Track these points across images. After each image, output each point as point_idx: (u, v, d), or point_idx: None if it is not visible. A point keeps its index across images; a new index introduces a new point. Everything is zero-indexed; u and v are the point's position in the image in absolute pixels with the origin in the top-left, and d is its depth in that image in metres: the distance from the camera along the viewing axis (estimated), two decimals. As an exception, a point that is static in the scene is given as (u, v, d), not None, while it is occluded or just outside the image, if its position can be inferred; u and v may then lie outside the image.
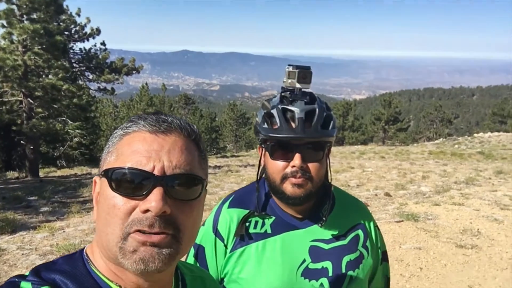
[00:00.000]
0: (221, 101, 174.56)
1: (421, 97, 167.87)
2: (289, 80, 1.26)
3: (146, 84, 36.29)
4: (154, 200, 0.67)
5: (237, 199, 1.36)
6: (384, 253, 1.44)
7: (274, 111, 1.23)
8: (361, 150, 26.76)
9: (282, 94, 1.27)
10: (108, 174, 0.71)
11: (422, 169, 15.11)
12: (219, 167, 16.69)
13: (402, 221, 6.95)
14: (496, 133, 37.78)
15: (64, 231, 6.83)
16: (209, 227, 1.31)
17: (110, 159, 0.74)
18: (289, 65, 1.29)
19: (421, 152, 24.68)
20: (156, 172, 0.70)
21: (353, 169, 15.38)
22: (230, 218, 1.30)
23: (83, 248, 0.80)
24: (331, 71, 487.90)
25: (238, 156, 27.77)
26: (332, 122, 1.25)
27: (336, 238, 1.31)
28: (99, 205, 0.74)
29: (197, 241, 1.32)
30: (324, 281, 1.25)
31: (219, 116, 51.90)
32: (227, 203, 1.35)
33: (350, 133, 45.11)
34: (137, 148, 0.72)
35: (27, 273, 0.70)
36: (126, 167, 0.70)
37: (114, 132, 0.79)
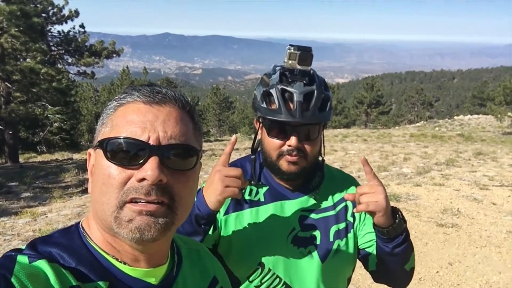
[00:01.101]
0: (204, 85, 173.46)
1: (403, 80, 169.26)
2: (290, 61, 1.26)
3: (127, 67, 35.54)
4: (150, 168, 0.68)
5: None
6: None
7: (273, 91, 1.25)
8: (344, 133, 26.95)
9: (281, 71, 1.28)
10: (103, 144, 0.71)
11: (404, 151, 15.32)
12: (203, 151, 16.62)
13: (385, 201, 7.06)
14: (476, 116, 38.50)
15: (46, 216, 6.76)
16: None
17: (105, 130, 0.74)
18: (291, 45, 1.28)
19: (403, 134, 25.03)
20: (151, 142, 0.70)
21: (336, 152, 15.51)
22: None
23: (79, 222, 0.80)
24: (314, 54, 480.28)
25: (222, 140, 27.74)
26: (329, 103, 1.28)
27: (325, 209, 1.37)
28: (94, 176, 0.74)
29: None
30: (312, 248, 1.32)
31: (202, 100, 51.39)
32: None
33: (333, 116, 45.34)
34: (132, 118, 0.72)
35: (23, 247, 0.71)
36: (121, 137, 0.70)
37: (108, 103, 0.78)
